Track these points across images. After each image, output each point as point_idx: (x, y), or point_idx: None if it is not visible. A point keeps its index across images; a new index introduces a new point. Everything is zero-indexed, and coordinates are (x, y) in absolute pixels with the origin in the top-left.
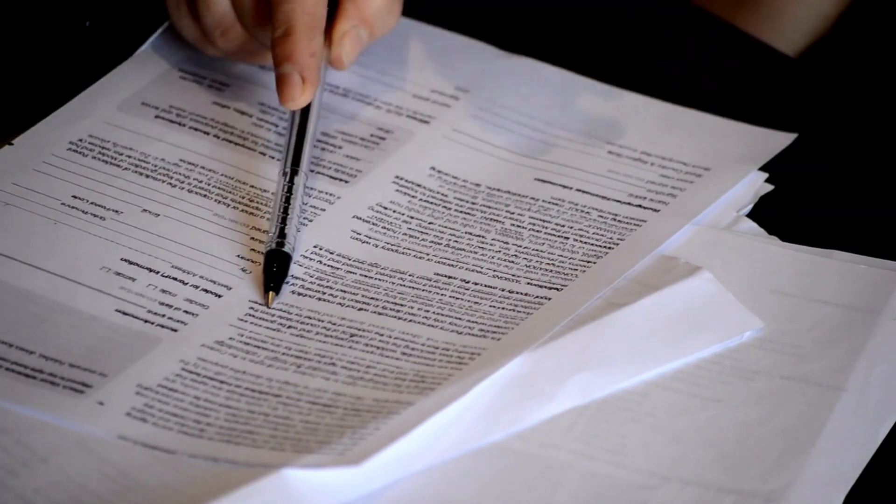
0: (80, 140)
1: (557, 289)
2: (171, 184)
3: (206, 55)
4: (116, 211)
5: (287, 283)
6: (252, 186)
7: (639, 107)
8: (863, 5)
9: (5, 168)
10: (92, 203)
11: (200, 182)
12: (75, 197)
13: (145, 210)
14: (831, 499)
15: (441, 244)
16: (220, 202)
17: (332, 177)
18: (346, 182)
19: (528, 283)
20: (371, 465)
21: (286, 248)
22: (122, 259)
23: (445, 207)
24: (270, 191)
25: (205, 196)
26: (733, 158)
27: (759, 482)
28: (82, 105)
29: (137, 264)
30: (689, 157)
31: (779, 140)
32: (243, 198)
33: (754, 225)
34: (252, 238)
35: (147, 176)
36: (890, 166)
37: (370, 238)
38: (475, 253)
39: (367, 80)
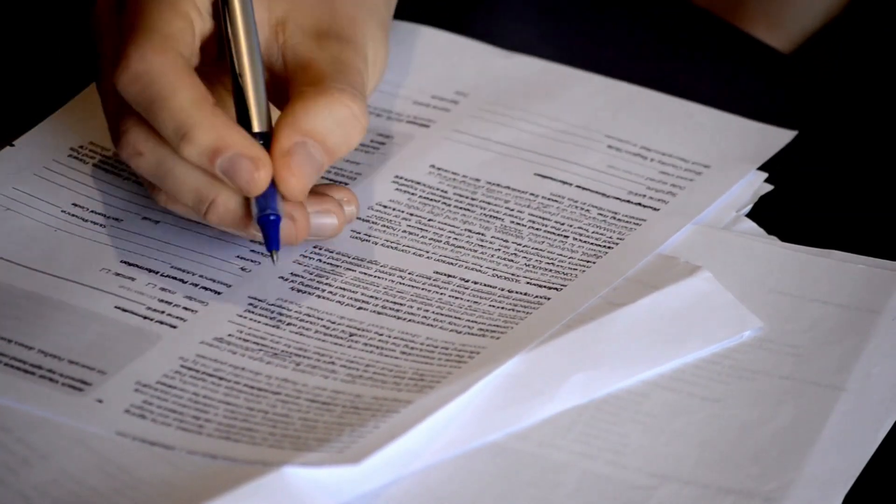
0: (81, 147)
1: (557, 288)
2: None
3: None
4: (116, 219)
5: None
6: None
7: (638, 99)
8: (862, 3)
9: (6, 171)
10: (92, 211)
11: None
12: (76, 205)
13: (145, 217)
14: (831, 499)
15: (440, 241)
16: None
17: (331, 180)
18: (346, 184)
19: (528, 283)
20: (370, 463)
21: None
22: (121, 261)
23: (445, 204)
24: None
25: None
26: (733, 156)
27: (758, 482)
28: (83, 106)
29: (137, 265)
30: (688, 153)
31: (778, 137)
32: None
33: (754, 225)
34: (252, 240)
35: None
36: (890, 166)
37: (370, 236)
38: (475, 251)
39: None
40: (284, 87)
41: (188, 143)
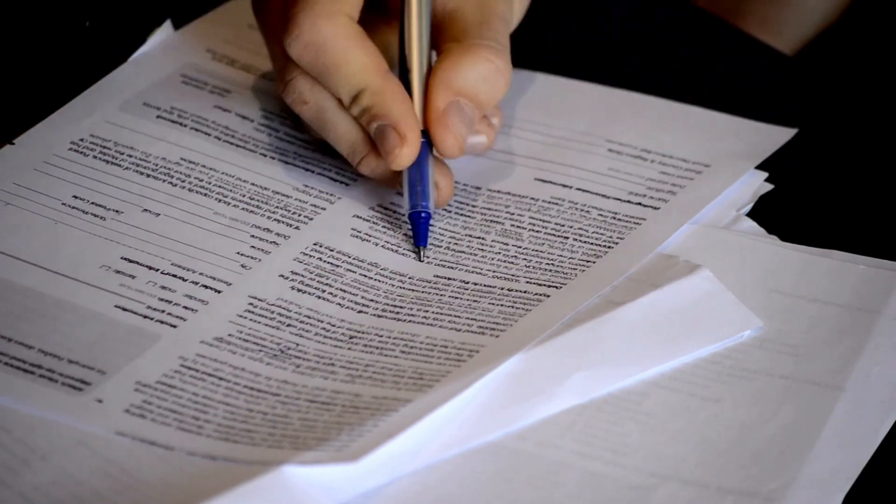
0: (82, 140)
1: (557, 287)
2: (171, 183)
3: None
4: (117, 211)
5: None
6: (252, 184)
7: (638, 105)
8: (863, 3)
9: (6, 167)
10: (92, 203)
11: (201, 181)
12: (76, 197)
13: (146, 210)
14: (831, 499)
15: (441, 246)
16: (220, 200)
17: (332, 178)
18: (347, 185)
19: (528, 282)
20: (368, 461)
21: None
22: (122, 258)
23: (446, 210)
24: (271, 189)
25: (205, 195)
26: (733, 154)
27: (758, 482)
28: (84, 105)
29: (137, 262)
30: (689, 153)
31: (779, 135)
32: (244, 196)
33: (754, 224)
34: (252, 236)
35: (148, 175)
36: (890, 166)
37: (370, 236)
38: (475, 255)
39: None
40: (434, 35)
41: (356, 104)
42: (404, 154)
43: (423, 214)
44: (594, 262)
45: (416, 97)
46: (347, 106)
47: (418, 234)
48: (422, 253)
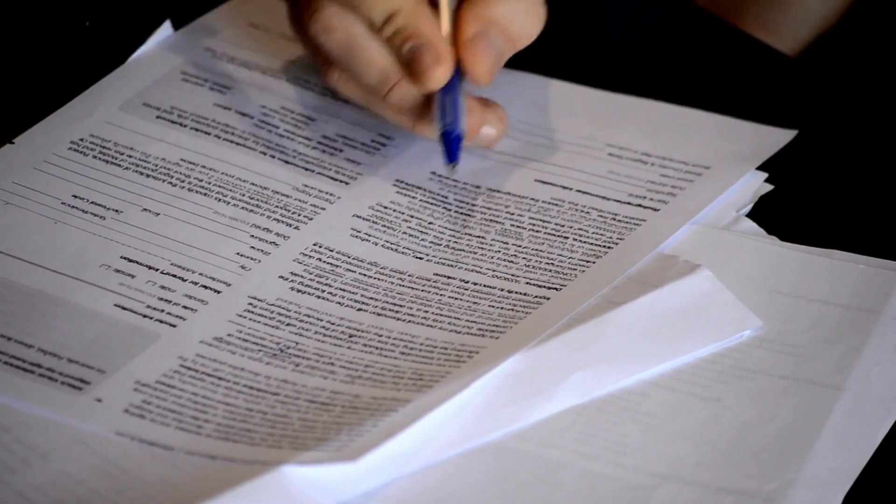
0: (81, 139)
1: (556, 288)
2: (171, 183)
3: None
4: (116, 210)
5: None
6: (252, 184)
7: (638, 109)
8: (863, 4)
9: (6, 167)
10: (92, 202)
11: (201, 181)
12: (76, 196)
13: (145, 209)
14: (830, 499)
15: (441, 245)
16: (220, 200)
17: (332, 178)
18: (347, 184)
19: (528, 283)
20: (368, 461)
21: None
22: (121, 257)
23: (446, 208)
24: (271, 188)
25: (205, 194)
26: (733, 156)
27: (758, 482)
28: (84, 105)
29: (137, 262)
30: (689, 156)
31: (779, 137)
32: (243, 195)
33: (754, 224)
34: (252, 236)
35: (147, 175)
36: (890, 166)
37: (370, 236)
38: (475, 253)
39: None
40: None
41: (389, 25)
42: (440, 72)
43: (454, 134)
44: (594, 262)
45: (444, 30)
46: (379, 28)
47: (450, 151)
48: (454, 170)
